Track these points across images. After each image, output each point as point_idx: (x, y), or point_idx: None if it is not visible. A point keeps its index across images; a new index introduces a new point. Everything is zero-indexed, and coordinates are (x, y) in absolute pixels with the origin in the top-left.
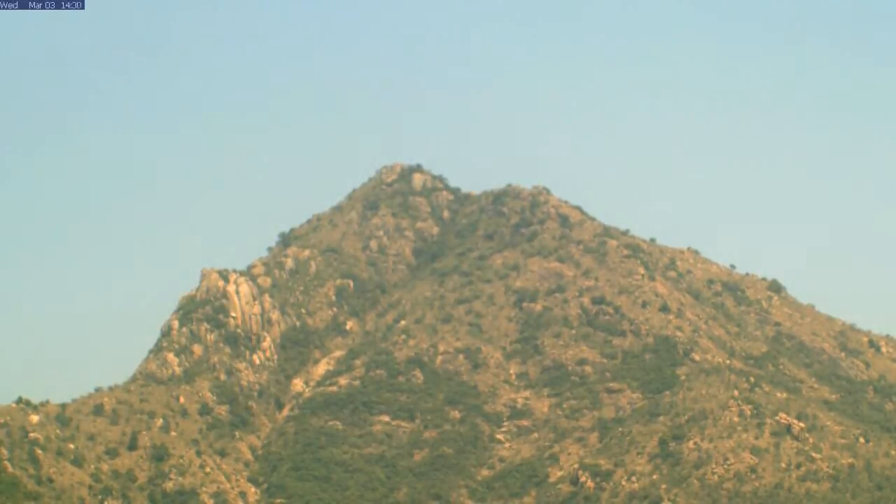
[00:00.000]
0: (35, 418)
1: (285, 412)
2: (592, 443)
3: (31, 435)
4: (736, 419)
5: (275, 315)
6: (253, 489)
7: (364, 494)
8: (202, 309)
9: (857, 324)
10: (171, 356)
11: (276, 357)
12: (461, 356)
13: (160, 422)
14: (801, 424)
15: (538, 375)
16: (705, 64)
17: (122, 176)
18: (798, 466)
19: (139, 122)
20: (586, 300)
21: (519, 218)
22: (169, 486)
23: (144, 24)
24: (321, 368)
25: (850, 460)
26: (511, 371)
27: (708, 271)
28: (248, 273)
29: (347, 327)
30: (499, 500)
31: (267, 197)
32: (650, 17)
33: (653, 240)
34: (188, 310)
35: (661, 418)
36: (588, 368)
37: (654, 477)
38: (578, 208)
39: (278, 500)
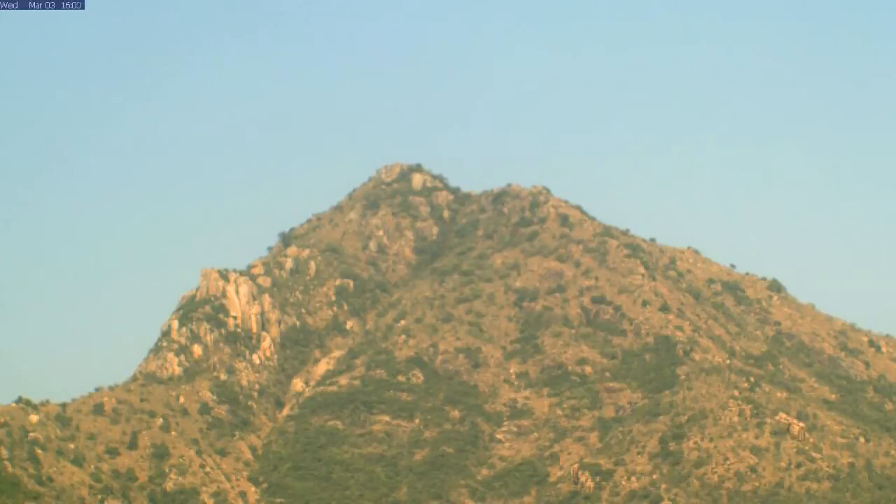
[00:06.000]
0: (35, 418)
1: (285, 412)
2: (592, 442)
3: (31, 435)
4: (736, 419)
5: (275, 315)
6: (253, 489)
7: (364, 494)
8: (202, 309)
9: (857, 324)
10: (171, 356)
11: (276, 357)
12: (461, 356)
13: (160, 421)
14: (801, 424)
15: (538, 375)
16: (705, 64)
17: (122, 176)
18: (798, 466)
19: (139, 121)
20: (586, 300)
21: (519, 218)
22: (169, 485)
23: (144, 24)
24: (321, 368)
25: (850, 460)
26: (511, 371)
27: (708, 271)
28: (248, 273)
29: (347, 327)
30: (499, 499)
31: (267, 197)
32: (650, 17)
33: (653, 240)
34: (188, 310)
35: (662, 418)
36: (588, 368)
37: (654, 476)
38: (578, 208)
39: (278, 500)
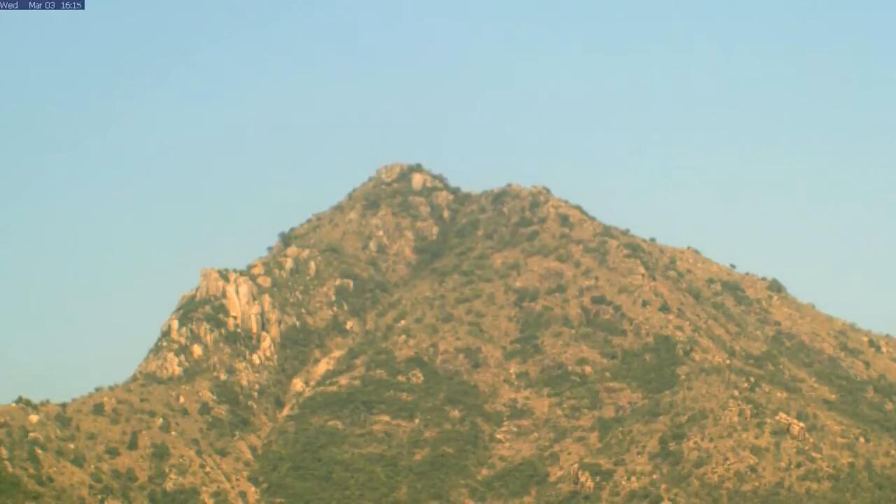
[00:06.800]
0: (35, 418)
1: (285, 412)
2: (592, 442)
3: (31, 435)
4: (736, 419)
5: (275, 315)
6: (253, 489)
7: (364, 494)
8: (202, 309)
9: (857, 324)
10: (171, 356)
11: (276, 357)
12: (461, 356)
13: (160, 421)
14: (801, 424)
15: (538, 375)
16: (705, 64)
17: (122, 176)
18: (798, 466)
19: (139, 121)
20: (586, 300)
21: (519, 218)
22: (169, 485)
23: (144, 24)
24: (321, 368)
25: (850, 460)
26: (511, 371)
27: (708, 271)
28: (248, 273)
29: (348, 327)
30: (499, 499)
31: (267, 197)
32: (650, 18)
33: (653, 240)
34: (188, 310)
35: (662, 418)
36: (588, 368)
37: (654, 476)
38: (578, 208)
39: (278, 500)
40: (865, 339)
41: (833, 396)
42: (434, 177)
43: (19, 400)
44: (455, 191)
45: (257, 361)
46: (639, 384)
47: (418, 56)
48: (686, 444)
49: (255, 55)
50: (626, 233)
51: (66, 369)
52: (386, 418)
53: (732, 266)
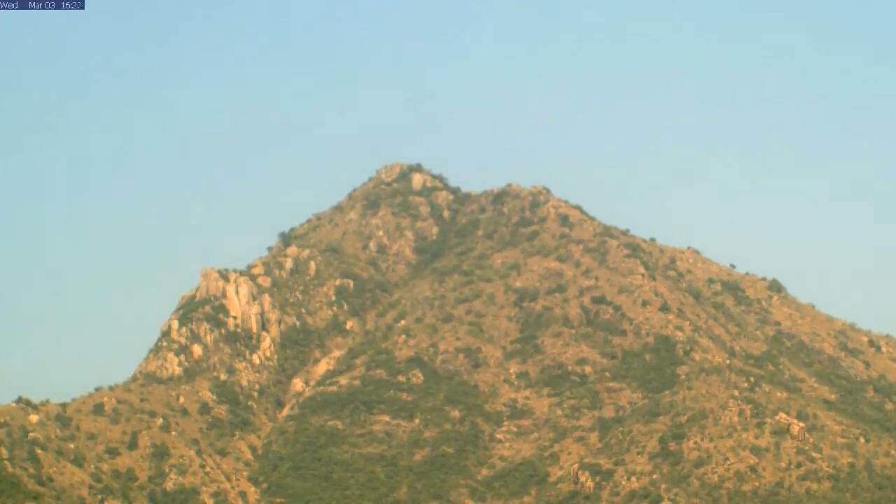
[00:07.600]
0: (35, 418)
1: (285, 412)
2: (592, 442)
3: (31, 435)
4: (736, 419)
5: (275, 315)
6: (253, 489)
7: (364, 494)
8: (202, 309)
9: (857, 324)
10: (171, 356)
11: (276, 357)
12: (461, 356)
13: (160, 421)
14: (801, 424)
15: (538, 375)
16: (705, 63)
17: (122, 176)
18: (798, 466)
19: (139, 121)
20: (586, 300)
21: (519, 218)
22: (169, 485)
23: (144, 24)
24: (321, 368)
25: (850, 460)
26: (511, 370)
27: (708, 271)
28: (248, 273)
29: (347, 327)
30: (499, 499)
31: (267, 197)
32: (650, 17)
33: (653, 239)
34: (188, 310)
35: (662, 418)
36: (588, 368)
37: (655, 476)
38: (578, 208)
39: (278, 500)
40: (865, 339)
41: (833, 396)
42: (434, 177)
43: (19, 400)
44: (455, 191)
45: (257, 361)
46: (639, 384)
47: (418, 55)
48: (686, 444)
49: (255, 55)
50: (626, 233)
51: (66, 369)
52: (386, 418)
53: (732, 266)
